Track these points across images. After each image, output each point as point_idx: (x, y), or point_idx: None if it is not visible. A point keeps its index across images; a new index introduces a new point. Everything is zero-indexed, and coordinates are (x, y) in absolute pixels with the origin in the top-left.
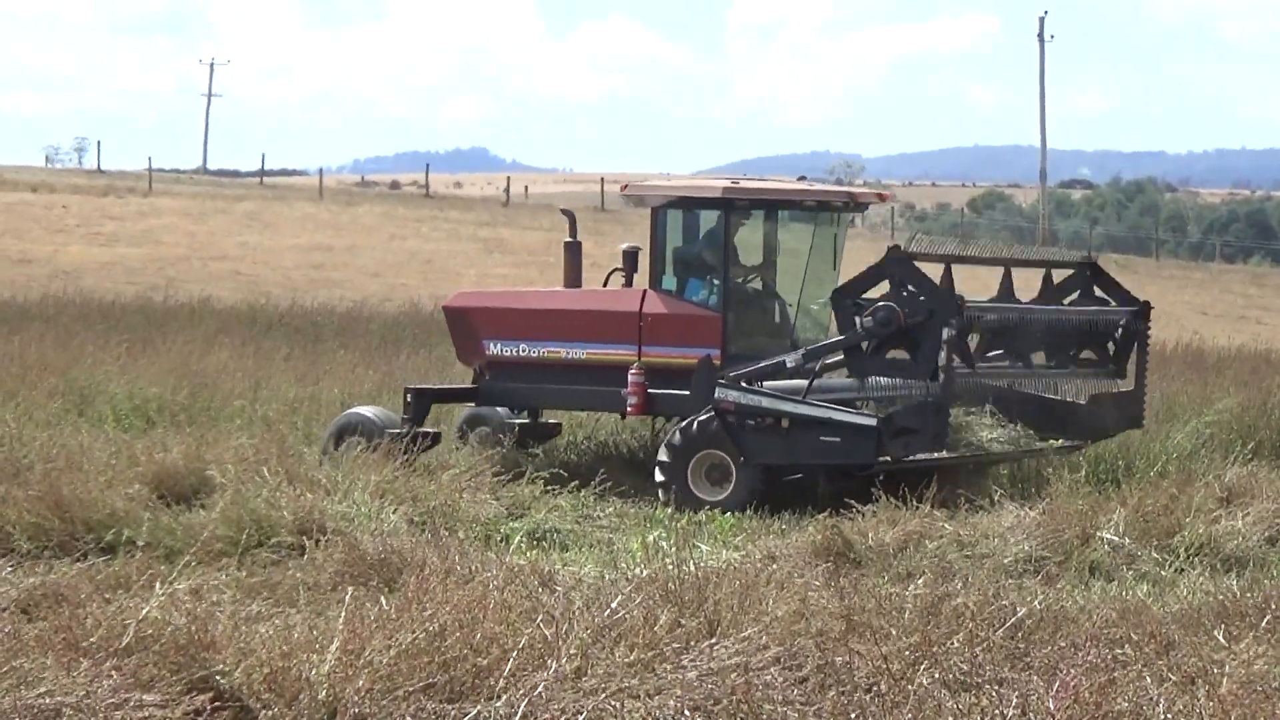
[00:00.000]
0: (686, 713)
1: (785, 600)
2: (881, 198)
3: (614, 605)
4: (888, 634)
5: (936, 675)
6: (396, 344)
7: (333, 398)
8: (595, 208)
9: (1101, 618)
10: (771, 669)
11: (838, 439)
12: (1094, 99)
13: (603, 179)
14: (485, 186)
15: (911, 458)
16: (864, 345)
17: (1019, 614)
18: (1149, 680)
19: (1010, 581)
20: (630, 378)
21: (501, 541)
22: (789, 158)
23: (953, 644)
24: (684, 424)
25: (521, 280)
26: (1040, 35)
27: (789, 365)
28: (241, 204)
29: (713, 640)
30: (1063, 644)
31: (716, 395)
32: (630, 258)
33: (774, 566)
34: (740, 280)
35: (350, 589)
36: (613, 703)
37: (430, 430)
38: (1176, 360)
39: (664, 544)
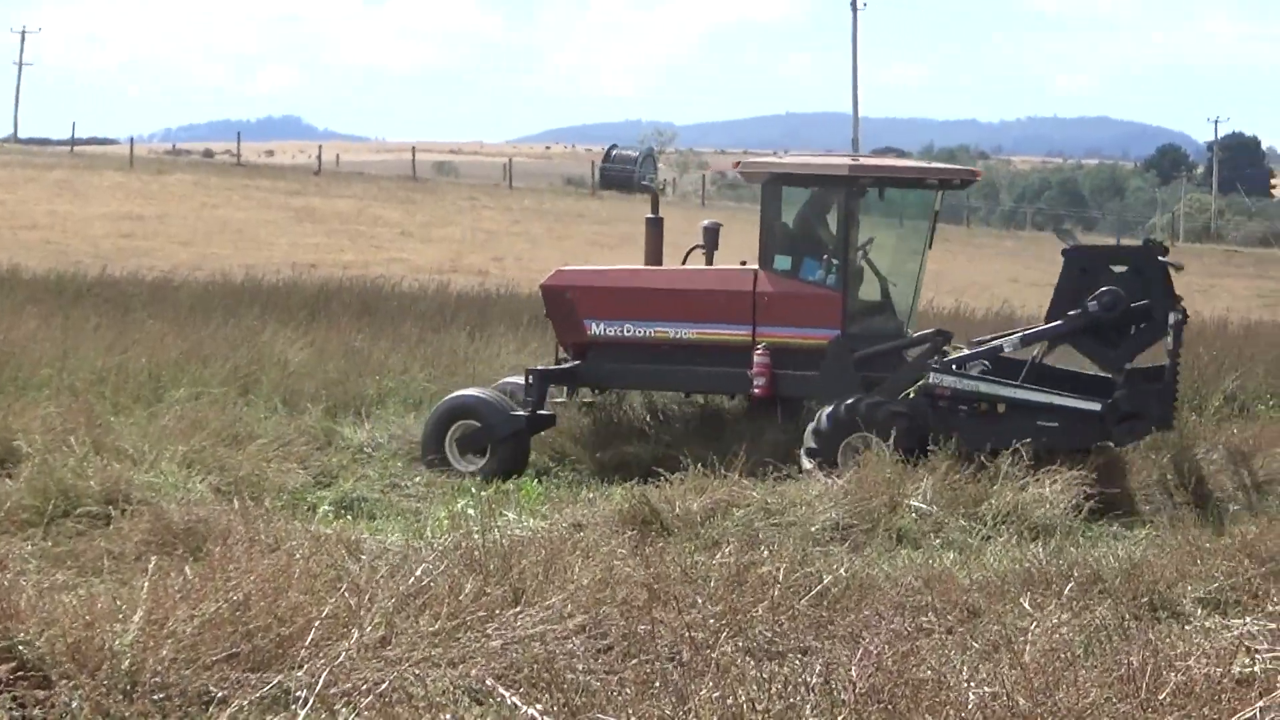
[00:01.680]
0: (490, 681)
1: (590, 569)
2: (975, 174)
3: (419, 574)
4: (692, 602)
5: (740, 644)
6: (207, 313)
7: (140, 367)
8: (407, 176)
9: (907, 586)
10: (575, 638)
11: (1056, 424)
12: (907, 67)
13: (414, 148)
14: (297, 155)
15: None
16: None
17: (824, 582)
18: (952, 648)
19: (817, 549)
20: (755, 358)
21: (308, 511)
22: (602, 126)
23: (757, 612)
24: (832, 408)
25: (330, 248)
26: (853, 3)
27: (1006, 351)
28: (52, 173)
29: (517, 609)
30: (867, 612)
31: (931, 380)
32: (711, 234)
33: (580, 535)
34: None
35: (155, 559)
36: (416, 671)
37: (548, 413)
38: (988, 329)
39: (471, 512)
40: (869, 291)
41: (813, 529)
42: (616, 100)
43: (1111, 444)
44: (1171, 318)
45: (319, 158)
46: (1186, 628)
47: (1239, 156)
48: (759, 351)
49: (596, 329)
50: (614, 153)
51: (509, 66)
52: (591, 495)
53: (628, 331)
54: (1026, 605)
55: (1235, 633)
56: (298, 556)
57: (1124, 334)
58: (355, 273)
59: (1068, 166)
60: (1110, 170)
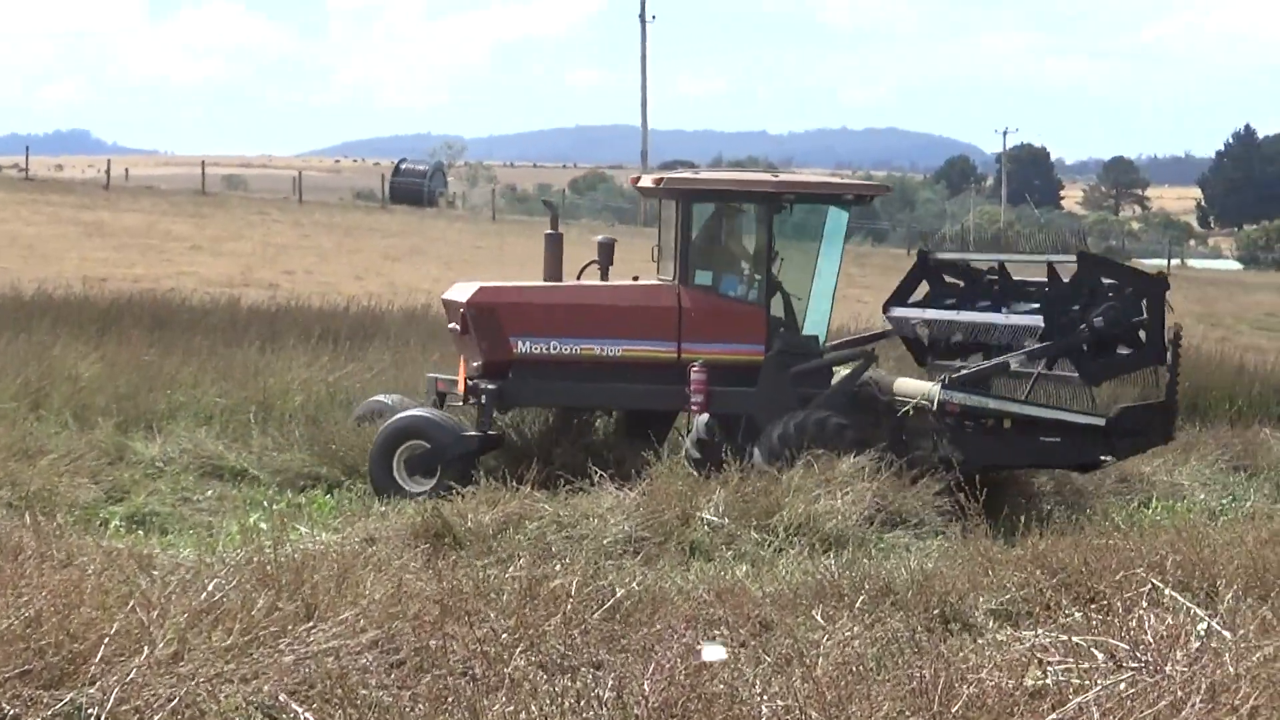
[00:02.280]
0: (282, 697)
1: (383, 583)
2: (886, 189)
3: (211, 589)
4: (485, 617)
5: (533, 658)
6: None
7: None
8: (196, 190)
9: (699, 598)
10: (368, 653)
11: (1059, 439)
12: (696, 80)
13: (203, 162)
14: (86, 169)
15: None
16: (1085, 346)
17: (617, 595)
18: (744, 661)
19: (609, 563)
20: (693, 375)
21: (100, 526)
22: (393, 139)
23: (550, 626)
24: (783, 424)
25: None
26: (642, 15)
27: (1012, 367)
28: None
29: (310, 624)
30: (660, 626)
31: (941, 396)
32: (606, 250)
33: (373, 549)
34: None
35: None
36: (208, 687)
37: (497, 434)
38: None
39: (263, 526)
40: (779, 306)
41: (605, 542)
42: (407, 113)
43: (1116, 457)
44: (1169, 334)
45: (108, 172)
46: (979, 640)
47: (1028, 168)
48: (696, 369)
49: (523, 346)
50: (403, 166)
51: (299, 80)
52: (384, 509)
53: (554, 349)
54: (819, 618)
55: (1027, 644)
56: (90, 572)
57: (1108, 349)
58: (146, 286)
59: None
60: (899, 182)
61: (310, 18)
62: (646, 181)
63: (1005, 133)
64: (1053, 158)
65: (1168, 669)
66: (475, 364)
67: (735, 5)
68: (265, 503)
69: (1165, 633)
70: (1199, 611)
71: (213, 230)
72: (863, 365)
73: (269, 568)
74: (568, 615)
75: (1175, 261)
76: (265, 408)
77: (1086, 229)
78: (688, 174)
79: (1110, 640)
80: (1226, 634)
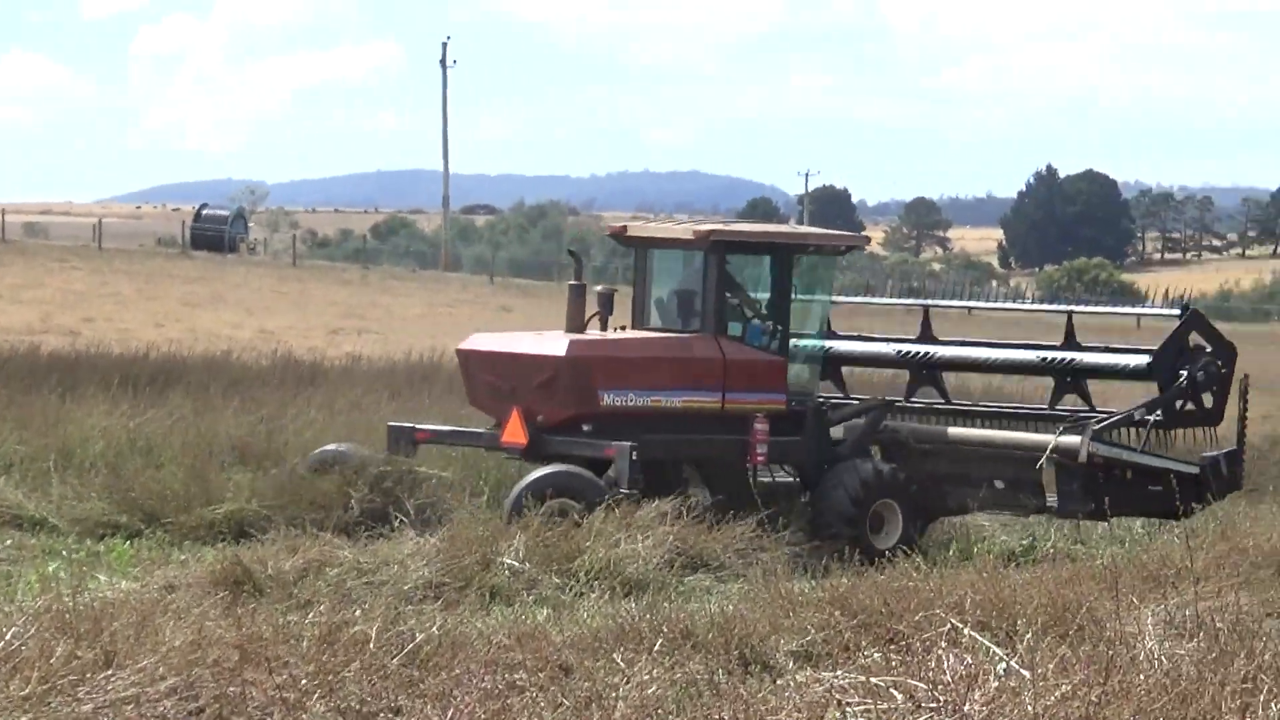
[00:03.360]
0: None
1: (182, 630)
2: (868, 239)
3: (9, 637)
4: (284, 663)
5: (332, 703)
6: None
7: None
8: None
9: (499, 643)
10: (167, 700)
11: (1162, 488)
12: (498, 124)
13: (3, 209)
14: None
15: None
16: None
17: (416, 640)
18: (544, 705)
19: (409, 608)
20: (757, 426)
21: None
22: (195, 184)
23: (349, 672)
24: (847, 477)
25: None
26: (443, 61)
27: (1137, 418)
28: None
29: (109, 671)
30: (459, 670)
31: (1091, 449)
32: (606, 300)
33: (172, 596)
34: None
35: None
36: None
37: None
38: None
39: (62, 575)
40: (803, 356)
41: (405, 587)
42: (209, 159)
43: (1203, 504)
44: (1241, 384)
45: None
46: (778, 681)
47: (830, 209)
48: (760, 419)
49: (609, 399)
50: (204, 212)
51: (100, 126)
52: (184, 556)
53: (631, 401)
54: (619, 660)
55: (826, 686)
56: None
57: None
58: None
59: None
60: None
61: (112, 63)
62: (684, 233)
63: (807, 174)
64: (855, 199)
65: (966, 708)
66: (549, 418)
67: (535, 47)
68: (64, 551)
69: (964, 672)
70: (998, 651)
71: (12, 278)
72: (881, 413)
73: (67, 616)
74: (367, 661)
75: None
76: (65, 455)
77: (887, 270)
78: (720, 226)
79: (909, 680)
80: (1025, 673)
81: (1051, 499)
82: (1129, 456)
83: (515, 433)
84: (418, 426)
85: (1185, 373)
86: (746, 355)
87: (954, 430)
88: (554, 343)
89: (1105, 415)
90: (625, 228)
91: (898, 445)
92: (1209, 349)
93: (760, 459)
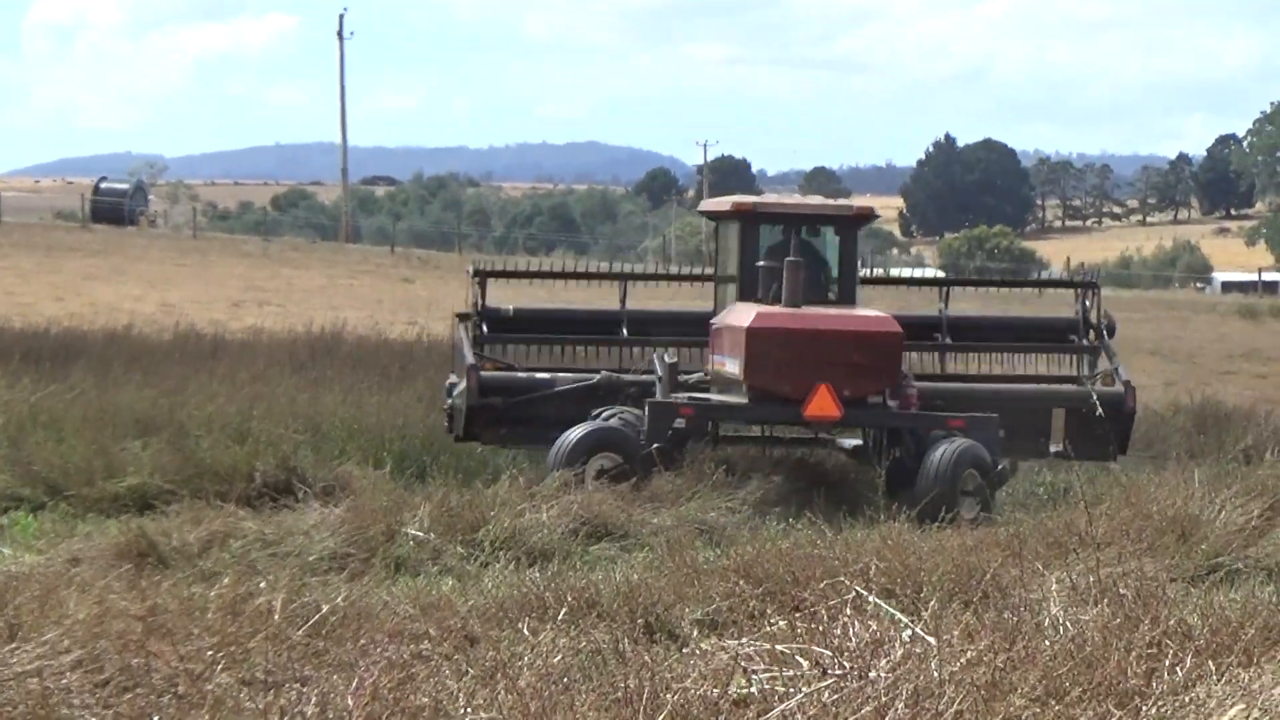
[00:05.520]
0: None
1: (87, 603)
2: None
3: None
4: (189, 634)
5: (237, 675)
6: None
7: None
8: None
9: (404, 613)
10: (71, 673)
11: None
12: (396, 96)
13: None
14: None
15: None
16: None
17: (322, 611)
18: (449, 675)
19: (315, 579)
20: (909, 389)
21: None
22: (92, 159)
23: (254, 643)
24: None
25: None
26: (340, 33)
27: None
28: None
29: (13, 645)
30: (364, 641)
31: None
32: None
33: (76, 569)
34: None
35: None
36: None
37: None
38: None
39: None
40: None
41: (310, 559)
42: (107, 133)
43: None
44: None
45: None
46: (684, 650)
47: (730, 179)
48: (909, 382)
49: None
50: (103, 185)
51: None
52: (88, 529)
53: None
54: (524, 630)
55: (731, 654)
56: None
57: None
58: None
59: (558, 191)
60: (601, 195)
61: (5, 37)
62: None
63: (705, 145)
64: (754, 169)
65: (872, 675)
66: (857, 391)
67: (432, 17)
68: None
69: (869, 639)
70: (903, 618)
71: None
72: None
73: None
74: (272, 632)
75: (878, 270)
76: None
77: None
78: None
79: (814, 648)
80: (931, 640)
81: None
82: None
83: (826, 406)
84: (682, 402)
85: None
86: None
87: None
88: (865, 319)
89: None
90: (754, 205)
91: None
92: None
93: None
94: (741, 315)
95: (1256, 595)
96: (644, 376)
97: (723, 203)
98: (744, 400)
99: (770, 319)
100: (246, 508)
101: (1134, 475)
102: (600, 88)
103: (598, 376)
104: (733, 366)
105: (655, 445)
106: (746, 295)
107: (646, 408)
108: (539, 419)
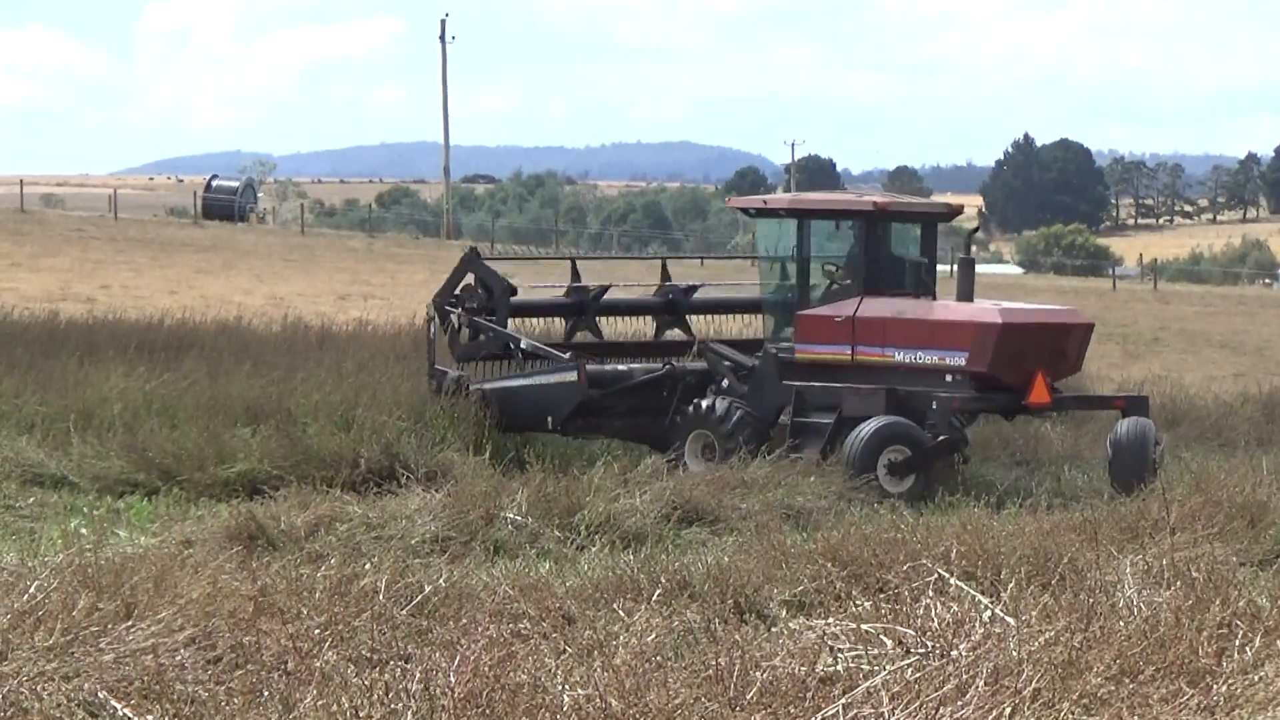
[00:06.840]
0: (102, 694)
1: (199, 583)
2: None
3: (33, 591)
4: (297, 614)
5: (344, 652)
6: None
7: None
8: (15, 209)
9: (503, 594)
10: (185, 649)
11: None
12: (495, 97)
13: (22, 181)
14: None
15: None
16: None
17: (424, 592)
18: (547, 653)
19: (417, 561)
20: None
21: None
22: (204, 157)
23: (360, 622)
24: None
25: None
26: (442, 36)
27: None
28: None
29: (129, 623)
30: (465, 620)
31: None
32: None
33: (189, 551)
34: None
35: None
36: (31, 687)
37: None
38: None
39: (84, 531)
40: None
41: (413, 542)
42: (218, 132)
43: None
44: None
45: None
46: (773, 629)
47: (816, 178)
48: None
49: None
50: (214, 183)
51: (112, 101)
52: (200, 513)
53: None
54: (619, 610)
55: (818, 633)
56: None
57: None
58: None
59: (651, 190)
60: (692, 193)
61: (122, 42)
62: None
63: (793, 144)
64: (839, 168)
65: (953, 654)
66: (1058, 377)
67: (531, 24)
68: (85, 508)
69: (951, 620)
70: (983, 599)
71: (31, 247)
72: None
73: (89, 570)
74: (376, 611)
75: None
76: (84, 416)
77: None
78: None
79: (898, 628)
80: (1010, 620)
81: None
82: None
83: (1042, 394)
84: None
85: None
86: None
87: None
88: (1067, 313)
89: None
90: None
91: None
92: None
93: None
94: (966, 311)
95: None
96: (727, 359)
97: (863, 203)
98: (971, 392)
99: (1014, 315)
100: (351, 492)
101: (1204, 463)
102: (692, 89)
103: (665, 367)
104: (955, 359)
105: (942, 438)
106: (871, 289)
107: (934, 402)
108: (612, 409)
